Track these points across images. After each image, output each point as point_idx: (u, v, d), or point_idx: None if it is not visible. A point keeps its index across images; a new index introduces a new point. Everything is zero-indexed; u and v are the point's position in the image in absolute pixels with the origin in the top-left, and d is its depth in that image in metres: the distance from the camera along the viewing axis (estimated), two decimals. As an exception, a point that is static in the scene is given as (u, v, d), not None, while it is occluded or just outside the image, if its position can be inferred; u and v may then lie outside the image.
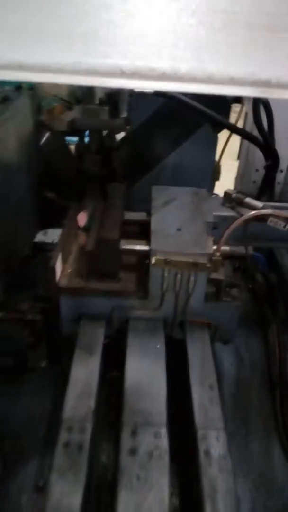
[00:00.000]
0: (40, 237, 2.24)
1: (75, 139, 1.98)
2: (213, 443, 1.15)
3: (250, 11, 0.57)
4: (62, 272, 1.57)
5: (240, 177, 2.79)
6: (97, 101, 1.76)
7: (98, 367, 1.36)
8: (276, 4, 0.56)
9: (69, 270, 1.61)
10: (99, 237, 1.52)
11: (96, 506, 1.24)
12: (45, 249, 2.19)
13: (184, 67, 0.60)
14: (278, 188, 2.74)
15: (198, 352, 1.43)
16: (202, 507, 1.01)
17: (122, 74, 0.60)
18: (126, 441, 1.15)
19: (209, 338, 1.51)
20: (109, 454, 1.41)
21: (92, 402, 1.24)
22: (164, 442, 1.15)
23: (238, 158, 2.73)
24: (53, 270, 1.51)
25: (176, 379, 1.42)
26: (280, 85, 0.60)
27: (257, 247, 2.20)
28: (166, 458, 1.11)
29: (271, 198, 2.31)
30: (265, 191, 2.39)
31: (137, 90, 1.69)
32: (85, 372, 1.34)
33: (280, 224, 1.44)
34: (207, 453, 1.12)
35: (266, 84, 0.60)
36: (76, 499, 1.02)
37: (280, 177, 2.70)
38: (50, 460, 1.15)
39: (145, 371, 1.36)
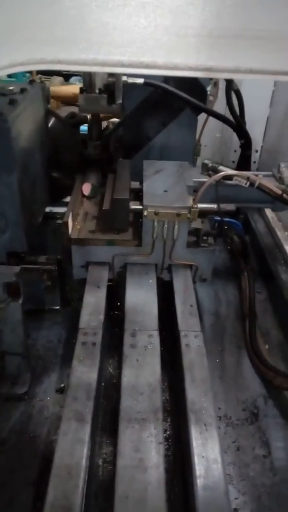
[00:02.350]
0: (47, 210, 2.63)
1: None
2: (192, 339, 1.55)
3: (198, 26, 0.96)
4: (72, 228, 1.95)
5: (221, 158, 3.19)
6: (97, 91, 2.15)
7: (105, 295, 1.75)
8: (211, 22, 0.95)
9: (78, 227, 2.00)
10: (113, 198, 1.87)
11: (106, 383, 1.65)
12: (53, 218, 2.59)
13: (160, 60, 0.99)
14: (254, 167, 3.15)
15: (181, 283, 1.83)
16: (183, 376, 1.42)
17: (122, 65, 0.99)
18: (127, 339, 1.55)
19: (191, 275, 1.90)
20: (115, 366, 1.82)
21: (101, 317, 1.63)
22: (156, 339, 1.55)
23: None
24: (66, 225, 1.89)
25: (165, 305, 1.83)
26: (218, 70, 1.00)
27: (235, 213, 2.60)
28: (157, 349, 1.51)
29: (247, 174, 2.65)
30: (242, 168, 2.73)
31: (129, 81, 2.06)
32: (95, 298, 1.73)
33: (243, 182, 1.84)
34: (188, 345, 1.53)
35: (209, 69, 0.99)
36: (93, 375, 1.41)
37: (255, 156, 3.11)
38: (67, 370, 1.54)
39: (141, 296, 1.75)
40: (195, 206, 1.77)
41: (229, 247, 2.66)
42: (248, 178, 1.83)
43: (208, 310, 2.17)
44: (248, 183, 1.84)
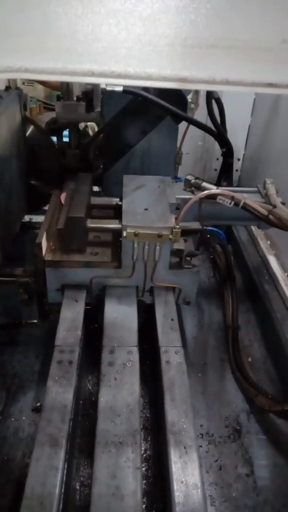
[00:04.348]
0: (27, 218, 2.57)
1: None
2: (172, 355, 1.50)
3: (171, 35, 0.92)
4: (46, 248, 1.81)
5: (203, 166, 3.18)
6: (74, 98, 2.10)
7: (83, 309, 1.69)
8: (185, 30, 0.91)
9: (53, 247, 1.84)
10: (67, 217, 1.76)
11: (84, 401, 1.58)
12: (32, 227, 2.52)
13: (132, 70, 0.95)
14: (236, 175, 3.14)
15: (162, 299, 1.78)
16: (163, 395, 1.36)
17: (93, 74, 0.95)
18: (106, 357, 1.49)
19: (172, 294, 1.82)
20: (94, 383, 1.76)
21: (79, 333, 1.57)
22: (135, 356, 1.49)
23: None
24: (39, 246, 1.75)
25: (146, 320, 1.77)
26: (193, 80, 0.96)
27: (217, 225, 2.56)
28: (136, 366, 1.46)
29: (229, 183, 2.63)
30: (224, 176, 2.70)
31: (108, 88, 2.02)
32: (72, 313, 1.67)
33: (227, 202, 1.77)
34: (168, 362, 1.48)
35: (184, 80, 0.95)
36: (69, 396, 1.35)
37: (237, 165, 3.10)
38: (45, 388, 1.47)
39: (120, 311, 1.70)
40: (177, 226, 1.68)
41: (211, 256, 2.63)
42: (232, 198, 1.76)
43: (190, 321, 2.13)
44: (232, 203, 1.77)
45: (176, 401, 1.35)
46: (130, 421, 1.28)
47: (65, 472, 1.17)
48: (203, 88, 0.97)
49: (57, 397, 1.33)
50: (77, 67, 0.94)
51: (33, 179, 2.42)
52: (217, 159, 3.05)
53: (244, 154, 3.06)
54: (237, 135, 2.89)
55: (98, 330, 1.84)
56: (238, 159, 3.07)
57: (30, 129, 2.35)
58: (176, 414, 1.31)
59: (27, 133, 2.33)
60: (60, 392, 1.35)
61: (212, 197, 1.76)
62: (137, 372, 1.44)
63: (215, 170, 3.11)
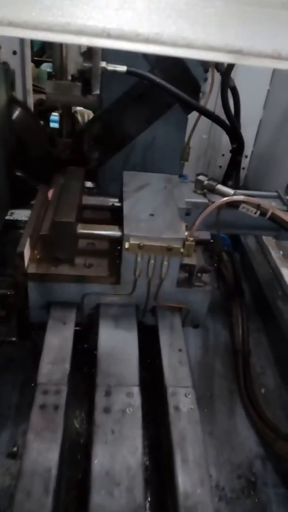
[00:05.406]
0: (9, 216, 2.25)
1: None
2: (182, 399, 1.23)
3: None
4: (30, 257, 1.50)
5: (207, 162, 2.89)
6: (69, 78, 1.78)
7: (72, 334, 1.40)
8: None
9: (38, 257, 1.52)
10: (54, 221, 1.46)
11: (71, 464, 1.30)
12: (15, 226, 2.20)
13: (166, 33, 0.65)
14: (242, 174, 2.87)
15: (167, 322, 1.50)
16: (172, 455, 1.10)
17: (108, 36, 0.65)
18: (100, 401, 1.21)
19: (179, 316, 1.55)
20: (82, 419, 1.48)
21: (67, 366, 1.29)
22: (136, 400, 1.22)
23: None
24: (21, 256, 1.43)
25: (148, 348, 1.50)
26: (251, 54, 0.67)
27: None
28: (138, 414, 1.18)
29: (236, 182, 2.36)
30: (231, 175, 2.43)
31: (109, 68, 1.70)
32: (59, 339, 1.38)
33: (252, 211, 1.48)
34: (177, 407, 1.21)
35: (238, 52, 0.67)
36: (54, 455, 1.07)
37: (244, 162, 2.83)
38: (23, 427, 1.19)
39: (117, 337, 1.41)
40: (191, 238, 1.39)
41: (215, 264, 2.36)
42: (259, 206, 1.48)
43: (193, 341, 1.86)
44: (258, 213, 1.49)
45: (188, 463, 1.08)
46: (132, 493, 1.01)
47: None
48: (264, 65, 0.68)
49: (39, 458, 1.05)
50: (87, 23, 0.63)
51: (18, 170, 2.09)
52: (223, 155, 2.78)
53: (252, 151, 2.79)
54: (246, 130, 2.60)
55: (87, 351, 1.56)
56: (246, 156, 2.80)
57: (17, 112, 2.02)
58: (190, 482, 1.05)
59: (13, 116, 2.00)
60: (43, 451, 1.06)
61: (234, 204, 1.48)
62: (140, 423, 1.17)
63: (220, 167, 2.84)
